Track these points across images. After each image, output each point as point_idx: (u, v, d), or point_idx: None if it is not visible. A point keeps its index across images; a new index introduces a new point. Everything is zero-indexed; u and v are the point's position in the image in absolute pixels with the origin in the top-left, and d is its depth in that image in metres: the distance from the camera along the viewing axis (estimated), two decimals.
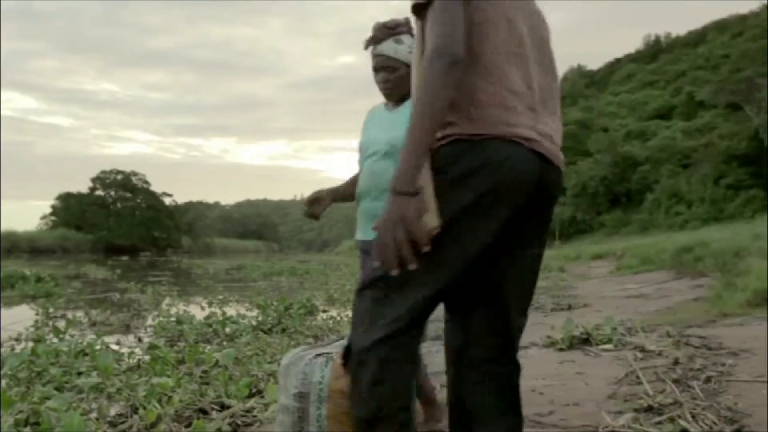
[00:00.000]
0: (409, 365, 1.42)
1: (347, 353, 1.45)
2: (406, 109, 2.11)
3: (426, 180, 1.30)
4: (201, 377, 3.55)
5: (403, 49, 2.13)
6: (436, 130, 1.31)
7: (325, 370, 1.68)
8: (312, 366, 1.71)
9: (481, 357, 1.49)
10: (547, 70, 1.48)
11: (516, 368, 1.52)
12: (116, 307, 8.94)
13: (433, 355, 4.09)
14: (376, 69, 2.18)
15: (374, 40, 2.16)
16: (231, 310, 7.84)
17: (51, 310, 8.09)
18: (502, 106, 1.36)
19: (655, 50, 68.03)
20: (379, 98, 2.30)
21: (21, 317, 7.09)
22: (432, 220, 1.28)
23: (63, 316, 7.55)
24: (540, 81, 1.44)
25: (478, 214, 1.34)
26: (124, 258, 35.20)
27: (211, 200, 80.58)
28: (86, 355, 4.34)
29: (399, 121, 2.08)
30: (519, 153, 1.35)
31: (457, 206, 1.32)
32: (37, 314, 7.68)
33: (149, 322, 7.18)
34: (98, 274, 18.29)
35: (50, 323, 6.81)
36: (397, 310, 1.35)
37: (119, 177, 56.15)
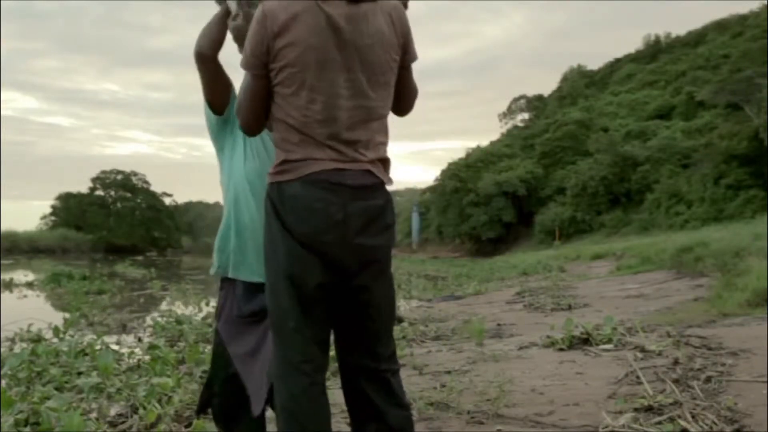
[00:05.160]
0: None
1: None
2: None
3: None
4: (201, 377, 3.55)
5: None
6: None
7: None
8: None
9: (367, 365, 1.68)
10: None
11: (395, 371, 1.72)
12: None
13: (434, 355, 4.08)
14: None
15: None
16: None
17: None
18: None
19: (655, 50, 67.81)
20: None
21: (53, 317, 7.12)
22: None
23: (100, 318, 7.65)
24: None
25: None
26: (139, 257, 35.10)
27: (211, 200, 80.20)
28: (86, 355, 4.34)
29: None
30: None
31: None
32: (69, 313, 7.71)
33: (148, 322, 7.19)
34: (135, 274, 18.43)
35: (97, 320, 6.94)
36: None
37: (119, 177, 56.02)
